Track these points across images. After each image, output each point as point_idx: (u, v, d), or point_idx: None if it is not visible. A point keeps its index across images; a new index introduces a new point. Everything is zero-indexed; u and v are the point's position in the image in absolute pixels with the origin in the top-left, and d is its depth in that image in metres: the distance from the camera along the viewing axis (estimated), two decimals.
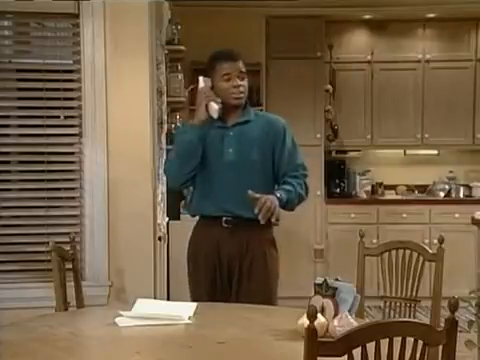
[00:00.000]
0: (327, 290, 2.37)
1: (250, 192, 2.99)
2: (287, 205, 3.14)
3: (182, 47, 5.11)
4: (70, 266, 3.20)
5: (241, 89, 3.14)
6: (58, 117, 3.99)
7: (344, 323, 2.17)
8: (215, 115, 3.12)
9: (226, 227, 3.14)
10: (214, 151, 3.17)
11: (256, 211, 2.99)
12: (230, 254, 3.14)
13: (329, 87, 6.93)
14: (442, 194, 7.10)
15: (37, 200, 3.95)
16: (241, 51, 3.28)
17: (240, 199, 3.05)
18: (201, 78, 3.17)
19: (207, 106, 3.12)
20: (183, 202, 5.32)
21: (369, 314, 5.67)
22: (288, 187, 3.16)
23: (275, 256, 3.25)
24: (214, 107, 3.10)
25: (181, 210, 5.35)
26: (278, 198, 3.07)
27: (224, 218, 3.13)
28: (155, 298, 3.85)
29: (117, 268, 3.92)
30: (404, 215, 6.76)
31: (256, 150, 3.16)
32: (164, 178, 4.62)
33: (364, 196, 7.10)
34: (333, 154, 7.15)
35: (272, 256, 3.22)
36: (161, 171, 4.47)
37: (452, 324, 1.72)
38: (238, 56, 3.18)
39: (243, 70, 3.16)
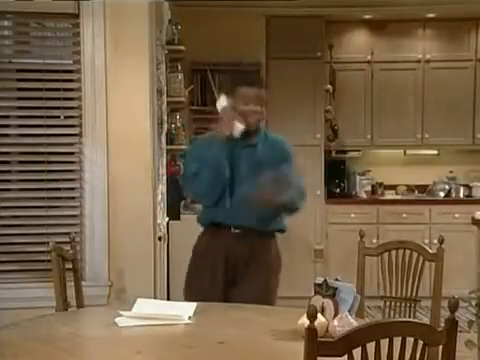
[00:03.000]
0: (327, 290, 2.37)
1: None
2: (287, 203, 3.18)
3: (182, 47, 5.10)
4: (70, 266, 3.19)
5: (260, 115, 3.30)
6: (58, 117, 3.99)
7: (344, 323, 2.17)
8: (237, 134, 3.20)
9: (235, 233, 3.22)
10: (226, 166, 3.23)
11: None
12: (238, 257, 3.22)
13: (329, 87, 6.94)
14: (442, 194, 7.10)
15: (37, 200, 3.95)
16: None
17: (249, 214, 3.15)
18: (223, 96, 3.30)
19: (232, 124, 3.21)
20: (183, 202, 5.32)
21: (369, 314, 5.66)
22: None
23: (279, 260, 3.34)
24: (239, 127, 3.20)
25: (181, 210, 5.35)
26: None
27: (233, 226, 3.23)
28: (155, 298, 3.85)
29: (117, 268, 3.92)
30: (404, 215, 6.76)
31: (265, 168, 3.21)
32: (164, 178, 4.63)
33: (364, 196, 7.10)
34: (333, 154, 7.15)
35: (278, 260, 3.32)
36: (161, 171, 4.47)
37: (452, 324, 1.72)
38: (262, 85, 3.36)
39: (264, 98, 3.31)
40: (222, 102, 3.28)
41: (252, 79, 3.44)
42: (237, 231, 3.22)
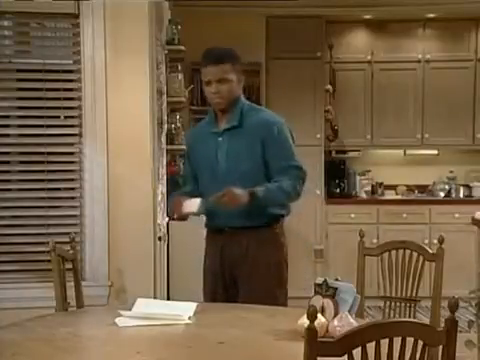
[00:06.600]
0: (327, 290, 2.37)
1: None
2: (264, 201, 3.04)
3: (182, 47, 5.10)
4: (70, 266, 3.20)
5: (218, 95, 3.05)
6: (58, 117, 3.99)
7: (344, 323, 2.17)
8: (197, 210, 3.09)
9: (228, 231, 3.14)
10: (207, 159, 3.16)
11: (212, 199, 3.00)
12: (231, 257, 3.15)
13: (329, 87, 6.94)
14: (442, 194, 7.10)
15: (37, 200, 3.95)
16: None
17: (233, 211, 3.02)
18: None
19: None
20: None
21: (369, 314, 5.66)
22: (270, 185, 3.07)
23: (278, 260, 3.18)
24: (194, 207, 3.07)
25: None
26: (252, 193, 2.99)
27: (226, 226, 3.15)
28: (155, 298, 3.85)
29: (117, 268, 3.92)
30: (404, 215, 6.76)
31: (246, 159, 3.09)
32: (164, 178, 4.63)
33: (364, 196, 7.11)
34: (333, 154, 7.15)
35: (274, 261, 3.17)
36: (161, 171, 4.47)
37: (452, 324, 1.72)
38: (223, 59, 3.05)
39: (226, 76, 3.03)
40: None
41: (214, 55, 3.07)
42: (229, 231, 3.12)
